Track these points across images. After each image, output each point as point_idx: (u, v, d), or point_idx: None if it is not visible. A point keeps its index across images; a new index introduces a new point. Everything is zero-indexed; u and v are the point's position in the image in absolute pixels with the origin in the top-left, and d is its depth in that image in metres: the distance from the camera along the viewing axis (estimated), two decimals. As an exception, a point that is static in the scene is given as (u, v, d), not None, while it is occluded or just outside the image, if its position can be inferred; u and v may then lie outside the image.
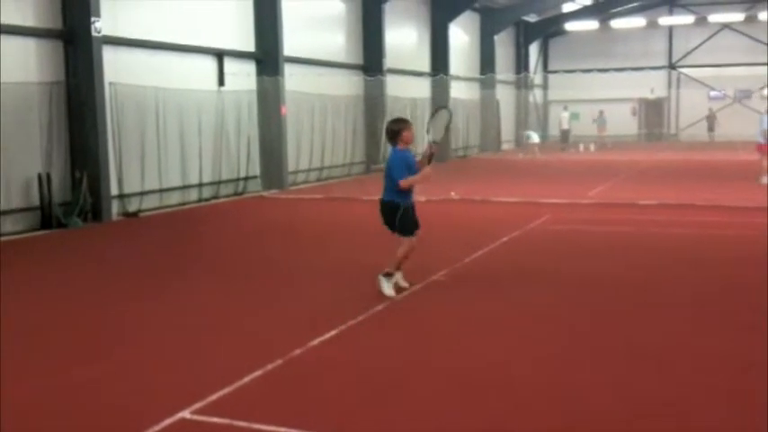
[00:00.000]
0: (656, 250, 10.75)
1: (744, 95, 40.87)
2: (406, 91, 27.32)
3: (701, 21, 40.23)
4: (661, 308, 7.67)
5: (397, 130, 8.05)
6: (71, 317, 7.71)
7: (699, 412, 5.02)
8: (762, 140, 19.31)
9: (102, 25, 14.41)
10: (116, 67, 15.11)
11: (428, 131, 8.31)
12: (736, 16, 39.29)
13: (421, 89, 29.33)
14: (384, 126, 10.90)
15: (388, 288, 8.12)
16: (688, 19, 41.02)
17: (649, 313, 7.49)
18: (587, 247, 11.21)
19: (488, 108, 35.37)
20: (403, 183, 7.90)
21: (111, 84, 14.97)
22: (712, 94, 41.62)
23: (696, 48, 41.78)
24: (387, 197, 8.11)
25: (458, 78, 32.02)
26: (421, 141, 14.31)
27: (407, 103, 27.43)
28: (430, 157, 8.11)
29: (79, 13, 14.15)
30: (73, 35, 14.24)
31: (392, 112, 25.87)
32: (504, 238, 11.72)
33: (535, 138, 33.46)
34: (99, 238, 13.12)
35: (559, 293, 8.35)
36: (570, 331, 6.92)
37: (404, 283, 8.39)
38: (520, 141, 39.69)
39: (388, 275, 8.17)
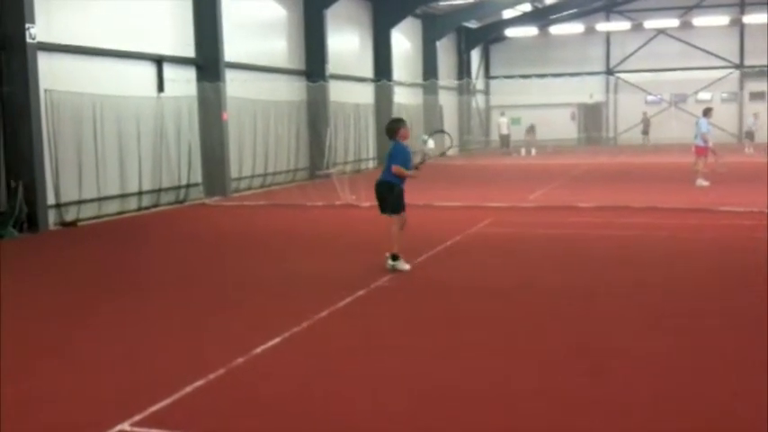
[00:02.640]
0: (593, 250, 10.94)
1: (679, 99, 41.87)
2: (350, 96, 27.32)
3: (638, 27, 41.16)
4: (596, 306, 7.81)
5: (395, 128, 9.73)
6: (2, 332, 7.49)
7: (632, 411, 5.11)
8: (699, 143, 19.79)
9: (38, 31, 14.09)
10: (52, 74, 14.80)
11: (425, 142, 9.65)
12: (671, 22, 40.29)
13: (364, 95, 29.37)
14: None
15: (403, 264, 9.55)
16: (624, 25, 41.92)
17: (586, 312, 7.60)
18: (528, 248, 11.35)
19: (431, 113, 35.59)
20: (395, 169, 9.49)
21: (46, 91, 14.64)
22: (649, 98, 42.55)
23: (633, 53, 42.69)
24: (385, 178, 9.67)
25: (401, 84, 32.14)
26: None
27: (351, 109, 27.45)
28: (417, 166, 9.97)
29: (13, 19, 13.82)
30: (7, 42, 13.90)
31: (336, 118, 25.91)
32: (448, 242, 11.82)
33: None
34: (35, 249, 12.81)
35: (502, 296, 8.43)
36: (509, 334, 6.98)
37: (405, 266, 9.61)
38: (464, 146, 40.04)
39: (396, 258, 9.54)
